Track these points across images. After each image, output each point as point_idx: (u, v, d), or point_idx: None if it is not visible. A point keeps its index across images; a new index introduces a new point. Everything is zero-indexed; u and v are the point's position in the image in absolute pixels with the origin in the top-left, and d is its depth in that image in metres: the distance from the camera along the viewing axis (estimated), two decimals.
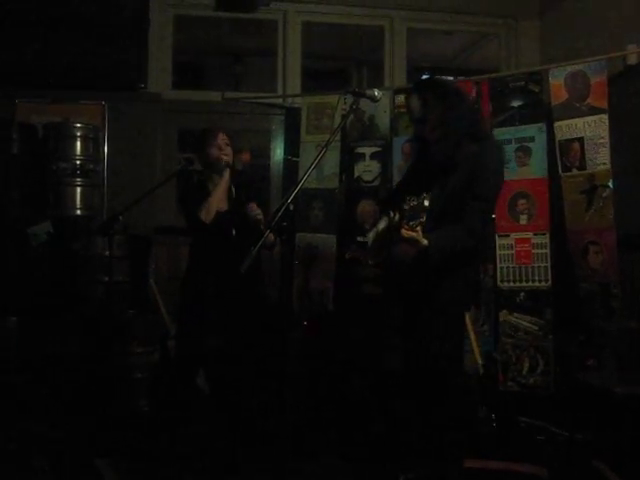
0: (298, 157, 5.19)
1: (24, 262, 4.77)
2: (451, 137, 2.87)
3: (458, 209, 2.81)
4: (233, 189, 3.78)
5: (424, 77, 5.82)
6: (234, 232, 3.65)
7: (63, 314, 4.57)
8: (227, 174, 3.71)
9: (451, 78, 5.69)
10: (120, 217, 3.76)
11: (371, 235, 3.07)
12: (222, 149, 3.72)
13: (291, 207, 2.51)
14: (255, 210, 3.57)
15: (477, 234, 2.92)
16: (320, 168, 4.81)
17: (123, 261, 4.78)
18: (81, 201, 4.90)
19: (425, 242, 2.69)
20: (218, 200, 3.67)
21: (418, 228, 2.61)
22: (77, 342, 4.49)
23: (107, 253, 3.86)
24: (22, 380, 4.31)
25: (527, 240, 4.34)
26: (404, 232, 2.63)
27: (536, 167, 4.35)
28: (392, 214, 2.83)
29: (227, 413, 3.89)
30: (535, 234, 4.32)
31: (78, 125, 4.96)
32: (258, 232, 3.30)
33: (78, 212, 4.89)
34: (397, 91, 4.87)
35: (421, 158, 3.14)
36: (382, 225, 2.99)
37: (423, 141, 3.04)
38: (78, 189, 4.89)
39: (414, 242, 2.67)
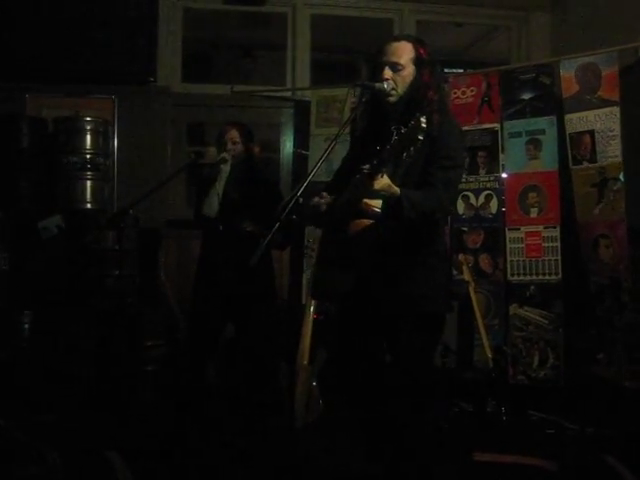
0: (307, 150, 5.19)
1: (35, 256, 4.79)
2: (439, 104, 2.59)
3: (419, 181, 2.51)
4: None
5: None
6: (221, 227, 3.71)
7: (73, 307, 4.59)
8: (226, 169, 3.77)
9: (461, 70, 5.67)
10: (130, 210, 3.78)
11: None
12: (226, 148, 3.76)
13: (300, 200, 2.50)
14: (247, 224, 3.65)
15: (445, 207, 2.60)
16: (329, 161, 4.76)
17: (133, 254, 4.79)
18: (91, 195, 4.92)
19: (397, 190, 2.37)
20: (219, 194, 3.71)
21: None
22: (88, 335, 4.51)
23: (117, 246, 3.88)
24: (34, 373, 4.34)
25: (537, 233, 4.32)
26: (377, 184, 2.30)
27: (547, 160, 4.33)
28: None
29: (234, 405, 3.91)
30: (545, 227, 4.31)
31: (88, 119, 4.97)
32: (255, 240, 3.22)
33: (88, 205, 4.91)
34: None
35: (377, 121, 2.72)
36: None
37: (379, 103, 2.66)
38: (88, 183, 4.91)
39: (387, 189, 2.35)
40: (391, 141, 2.26)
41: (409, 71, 2.59)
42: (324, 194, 2.69)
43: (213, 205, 3.71)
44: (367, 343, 2.75)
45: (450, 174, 2.55)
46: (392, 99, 2.61)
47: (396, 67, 2.59)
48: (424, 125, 2.21)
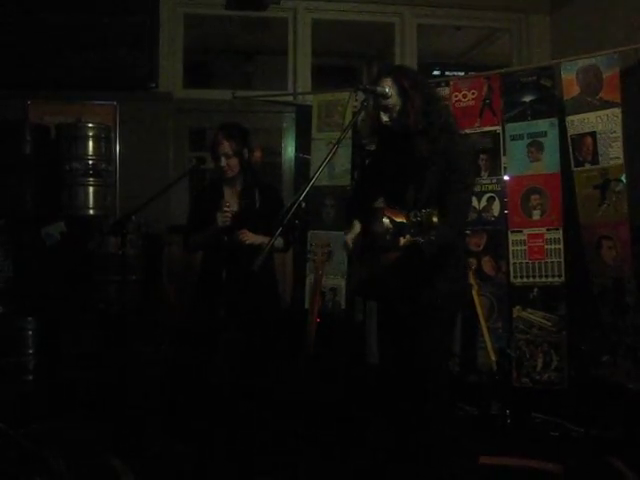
0: (309, 155, 5.20)
1: (38, 262, 4.80)
2: (435, 129, 2.73)
3: (434, 204, 2.62)
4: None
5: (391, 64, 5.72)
6: (225, 238, 3.67)
7: (77, 313, 4.60)
8: (234, 185, 3.74)
9: (462, 74, 5.68)
10: (133, 216, 3.77)
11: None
12: (222, 162, 3.65)
13: (303, 205, 2.51)
14: (245, 236, 3.58)
15: (460, 230, 2.88)
16: (331, 165, 4.81)
17: (136, 260, 4.81)
18: (94, 201, 4.92)
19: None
20: (231, 204, 3.69)
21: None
22: (91, 341, 4.51)
23: (120, 252, 3.89)
24: (38, 378, 4.34)
25: (540, 235, 4.32)
26: (401, 241, 2.54)
27: (549, 162, 4.33)
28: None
29: (238, 411, 3.90)
30: (548, 229, 4.30)
31: (90, 125, 4.98)
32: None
33: (91, 212, 4.91)
34: None
35: (386, 152, 2.94)
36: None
37: (389, 133, 2.85)
38: (91, 189, 4.91)
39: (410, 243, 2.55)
40: (408, 221, 2.50)
41: (418, 103, 2.73)
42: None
43: (226, 220, 3.66)
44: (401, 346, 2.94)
45: (462, 196, 2.75)
46: (415, 129, 2.74)
47: (405, 107, 2.74)
48: (435, 220, 2.42)
